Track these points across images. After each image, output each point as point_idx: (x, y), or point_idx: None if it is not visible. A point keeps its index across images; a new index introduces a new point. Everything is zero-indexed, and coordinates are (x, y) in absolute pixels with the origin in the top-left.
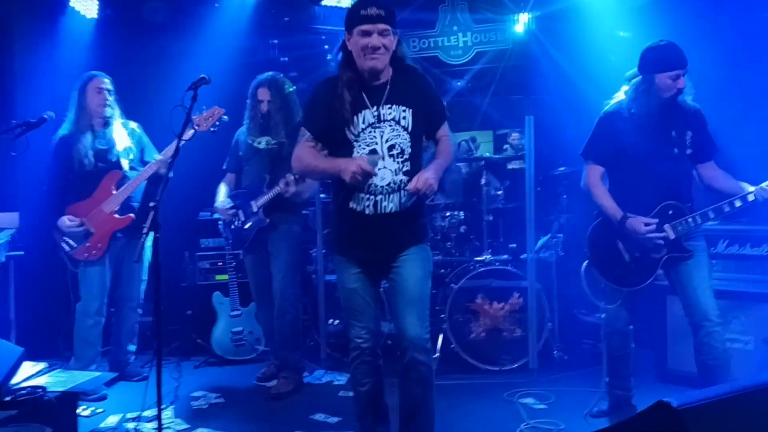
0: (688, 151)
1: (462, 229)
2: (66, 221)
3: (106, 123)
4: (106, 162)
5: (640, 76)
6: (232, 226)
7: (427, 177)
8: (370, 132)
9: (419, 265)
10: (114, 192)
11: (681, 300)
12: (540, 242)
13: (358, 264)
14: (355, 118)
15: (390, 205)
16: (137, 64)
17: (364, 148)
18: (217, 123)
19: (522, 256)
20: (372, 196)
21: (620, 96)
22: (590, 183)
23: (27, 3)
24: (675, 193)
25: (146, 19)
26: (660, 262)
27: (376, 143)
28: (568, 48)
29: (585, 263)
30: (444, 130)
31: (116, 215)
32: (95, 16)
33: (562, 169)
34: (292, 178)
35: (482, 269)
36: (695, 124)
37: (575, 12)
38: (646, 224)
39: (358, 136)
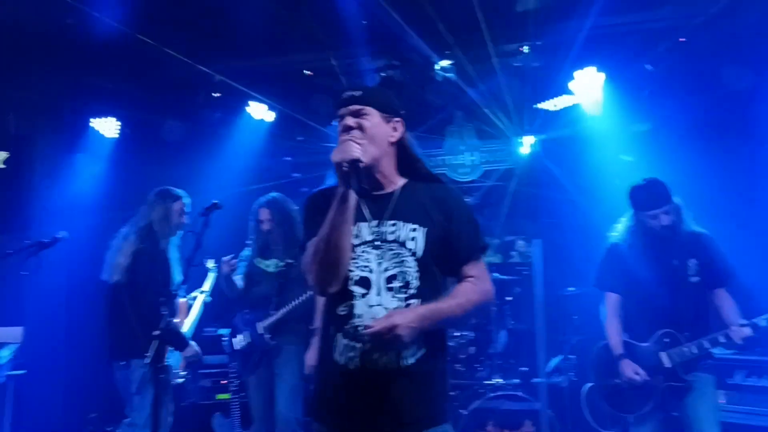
0: (694, 279)
1: (471, 350)
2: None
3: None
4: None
5: (630, 212)
6: (236, 348)
7: (396, 322)
8: (364, 253)
9: None
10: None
11: None
12: (552, 363)
13: None
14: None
15: (383, 358)
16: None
17: (352, 270)
18: None
19: (533, 380)
20: (358, 344)
21: (621, 227)
22: (607, 313)
23: (50, 122)
24: (673, 322)
25: (164, 138)
26: (658, 390)
27: (371, 269)
28: (572, 170)
29: (587, 387)
30: (476, 268)
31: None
32: (115, 135)
33: (572, 289)
34: None
35: (492, 395)
36: (699, 250)
37: (579, 136)
38: (636, 373)
39: None
